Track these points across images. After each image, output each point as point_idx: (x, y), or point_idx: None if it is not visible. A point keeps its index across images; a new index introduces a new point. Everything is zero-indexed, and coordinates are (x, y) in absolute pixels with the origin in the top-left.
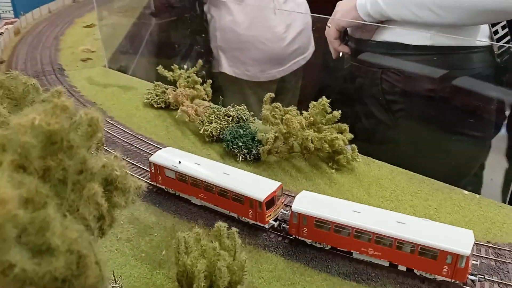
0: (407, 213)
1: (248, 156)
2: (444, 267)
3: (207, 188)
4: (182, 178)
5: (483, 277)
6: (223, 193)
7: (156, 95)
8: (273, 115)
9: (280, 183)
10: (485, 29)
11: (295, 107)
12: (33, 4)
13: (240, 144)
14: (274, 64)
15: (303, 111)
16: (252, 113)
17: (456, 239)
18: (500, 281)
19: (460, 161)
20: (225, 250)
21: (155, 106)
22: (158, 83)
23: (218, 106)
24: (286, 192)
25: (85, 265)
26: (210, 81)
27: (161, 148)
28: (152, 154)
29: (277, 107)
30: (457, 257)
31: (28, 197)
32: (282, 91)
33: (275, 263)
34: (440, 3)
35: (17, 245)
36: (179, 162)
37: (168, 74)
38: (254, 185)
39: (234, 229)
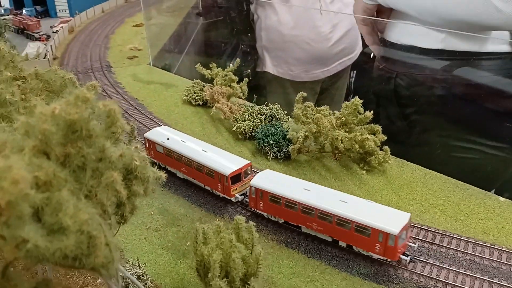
0: (436, 218)
1: (278, 154)
2: (376, 244)
3: (188, 163)
4: (169, 153)
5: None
6: (199, 168)
7: (194, 93)
8: (305, 114)
9: (248, 162)
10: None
11: (328, 106)
12: (88, 4)
13: (271, 142)
14: (318, 64)
15: (335, 111)
16: (286, 112)
17: (389, 220)
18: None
19: (495, 166)
20: (242, 243)
21: (193, 103)
22: (197, 80)
23: (252, 104)
24: None
25: (94, 245)
26: (246, 80)
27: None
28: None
29: (309, 106)
30: (387, 235)
31: (46, 179)
32: (326, 92)
33: (296, 259)
34: (421, 5)
35: (33, 222)
36: (168, 139)
37: (206, 72)
38: (224, 161)
39: (251, 223)
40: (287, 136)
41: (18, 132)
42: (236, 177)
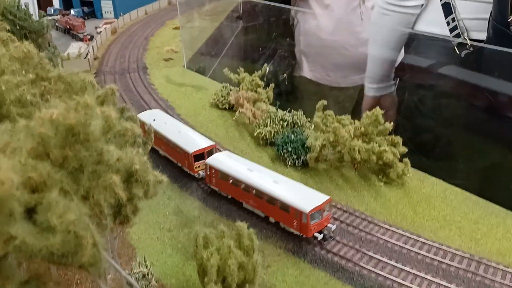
0: (451, 235)
1: (296, 162)
2: (294, 221)
3: (166, 143)
4: (155, 134)
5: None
6: (173, 147)
7: (222, 96)
8: (324, 123)
9: (213, 143)
10: None
11: (349, 115)
12: (132, 6)
13: (290, 149)
14: (356, 70)
15: (356, 121)
16: (309, 119)
17: (306, 200)
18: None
19: None
20: (243, 250)
21: (219, 106)
22: (226, 84)
23: (275, 111)
24: (332, 203)
25: (81, 245)
26: (272, 85)
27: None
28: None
29: (329, 115)
30: (300, 213)
31: (40, 180)
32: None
33: (301, 269)
34: None
35: (24, 220)
36: (154, 120)
37: (233, 76)
38: (191, 141)
39: (252, 230)
40: (306, 144)
41: (19, 134)
42: (200, 156)
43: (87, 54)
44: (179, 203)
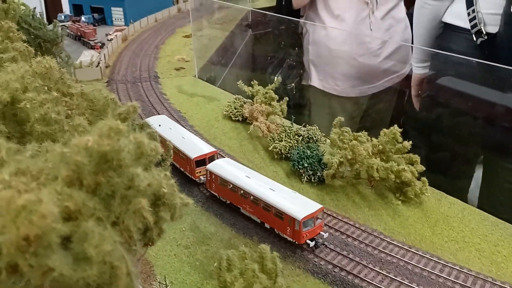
0: (471, 257)
1: (312, 178)
2: (287, 227)
3: (165, 144)
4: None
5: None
6: (177, 153)
7: (235, 108)
8: (341, 140)
9: (214, 150)
10: None
11: (366, 132)
12: (142, 13)
13: (306, 165)
14: (365, 80)
15: (372, 138)
16: (324, 134)
17: (300, 208)
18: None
19: None
20: (266, 273)
21: (233, 118)
22: (238, 96)
23: (289, 125)
24: (345, 219)
25: (116, 275)
26: (286, 98)
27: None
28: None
29: (346, 131)
30: (294, 220)
31: (75, 209)
32: (372, 108)
33: None
34: None
35: (60, 250)
36: (159, 125)
37: (247, 89)
38: (193, 147)
39: (275, 253)
40: (322, 160)
41: (52, 160)
42: (201, 162)
43: (98, 63)
44: (195, 219)
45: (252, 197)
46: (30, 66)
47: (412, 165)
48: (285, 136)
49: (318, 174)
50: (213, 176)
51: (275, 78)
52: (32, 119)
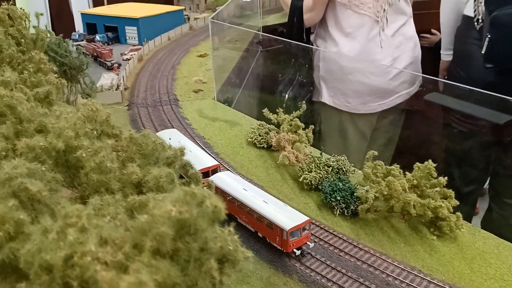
0: None
1: (345, 211)
2: (277, 237)
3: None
4: None
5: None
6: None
7: (259, 135)
8: (375, 173)
9: (217, 163)
10: None
11: (398, 165)
12: (156, 32)
13: (339, 198)
14: (376, 97)
15: (406, 173)
16: (352, 164)
17: (288, 219)
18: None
19: None
20: None
21: (257, 145)
22: (262, 122)
23: (318, 156)
24: (383, 256)
25: None
26: (312, 126)
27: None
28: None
29: (379, 165)
30: (282, 230)
31: (162, 281)
32: (381, 125)
33: None
34: None
35: None
36: (169, 139)
37: (272, 117)
38: (198, 160)
39: None
40: (354, 193)
41: (135, 228)
42: (205, 174)
43: (118, 86)
44: None
45: (248, 208)
46: (77, 110)
47: (446, 199)
48: (315, 167)
49: (352, 207)
50: (215, 190)
51: (287, 94)
52: (87, 168)
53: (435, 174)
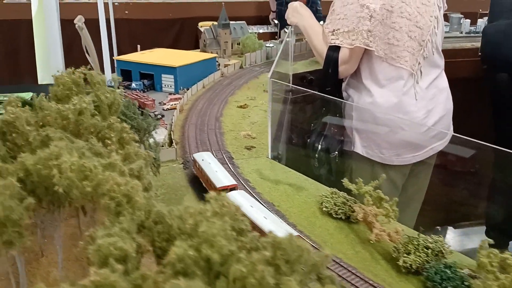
0: None
1: None
2: None
3: (205, 179)
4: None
5: None
6: (207, 181)
7: (335, 205)
8: (490, 263)
9: (235, 183)
10: None
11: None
12: (191, 80)
13: None
14: (410, 149)
15: None
16: (450, 245)
17: (281, 234)
18: None
19: None
20: None
21: (333, 215)
22: (335, 190)
23: (414, 237)
24: None
25: None
26: (396, 199)
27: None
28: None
29: (493, 254)
30: None
31: None
32: (413, 175)
33: None
34: None
35: None
36: (202, 160)
37: (352, 187)
38: (217, 178)
39: None
40: (465, 282)
41: None
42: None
43: (171, 142)
44: None
45: (253, 225)
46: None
47: None
48: (413, 249)
49: None
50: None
51: (319, 145)
52: (248, 285)
53: None
